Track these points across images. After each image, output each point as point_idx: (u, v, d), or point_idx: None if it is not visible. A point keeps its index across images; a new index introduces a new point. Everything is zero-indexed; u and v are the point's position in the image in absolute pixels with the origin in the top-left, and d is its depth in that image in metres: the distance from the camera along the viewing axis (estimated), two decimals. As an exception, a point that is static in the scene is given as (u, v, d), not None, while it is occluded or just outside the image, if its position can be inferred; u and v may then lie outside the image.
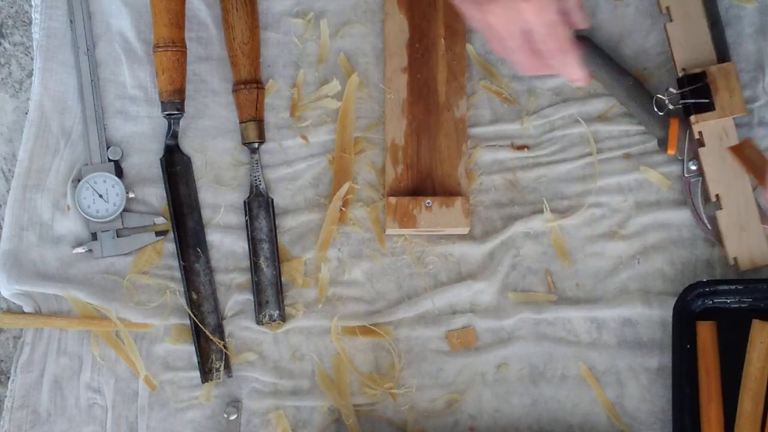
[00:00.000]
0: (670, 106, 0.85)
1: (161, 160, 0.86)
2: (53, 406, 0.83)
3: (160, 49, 0.83)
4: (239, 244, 0.86)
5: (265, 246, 0.85)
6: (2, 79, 0.91)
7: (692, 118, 0.85)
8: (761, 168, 0.58)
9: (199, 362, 0.83)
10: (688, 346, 0.81)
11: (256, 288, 0.85)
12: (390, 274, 0.86)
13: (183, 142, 0.87)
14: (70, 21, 0.87)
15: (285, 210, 0.87)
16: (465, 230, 0.85)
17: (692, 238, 0.86)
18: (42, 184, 0.85)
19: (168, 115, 0.85)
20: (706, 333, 0.81)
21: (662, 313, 0.84)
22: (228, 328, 0.85)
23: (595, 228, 0.87)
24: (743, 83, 0.87)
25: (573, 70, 0.68)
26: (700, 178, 0.86)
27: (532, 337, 0.85)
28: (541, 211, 0.87)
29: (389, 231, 0.85)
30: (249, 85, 0.85)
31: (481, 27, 0.68)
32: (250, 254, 0.85)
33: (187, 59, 0.85)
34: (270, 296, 0.85)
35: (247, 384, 0.84)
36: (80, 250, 0.84)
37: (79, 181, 0.85)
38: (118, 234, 0.85)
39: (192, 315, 0.83)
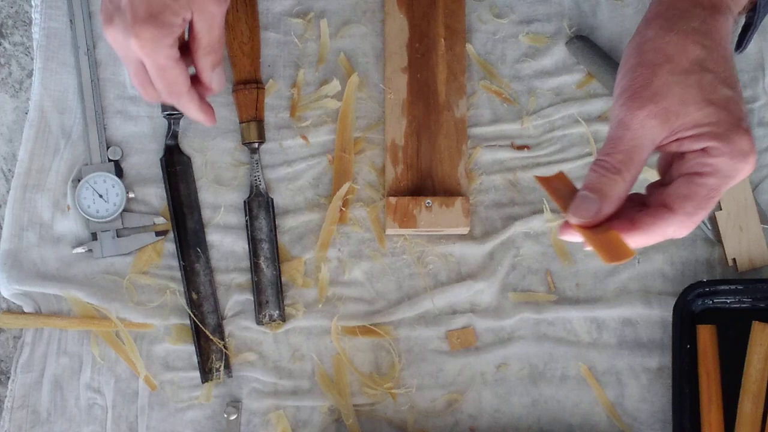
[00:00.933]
0: (670, 106, 0.85)
1: (161, 160, 0.86)
2: (53, 406, 0.83)
3: (160, 49, 0.83)
4: (239, 244, 0.86)
5: (265, 246, 0.85)
6: (2, 79, 0.91)
7: (692, 118, 0.85)
8: (568, 198, 0.59)
9: (199, 362, 0.83)
10: (688, 346, 0.81)
11: (256, 288, 0.85)
12: (390, 274, 0.86)
13: (183, 142, 0.87)
14: (70, 21, 0.87)
15: (285, 210, 0.87)
16: (465, 230, 0.85)
17: (692, 238, 0.87)
18: (42, 184, 0.85)
19: (168, 115, 0.85)
20: (706, 336, 0.81)
21: (662, 313, 0.84)
22: (228, 328, 0.85)
23: (595, 228, 0.87)
24: (743, 83, 0.87)
25: (191, 113, 0.70)
26: (700, 178, 0.86)
27: (532, 337, 0.85)
28: (541, 211, 0.87)
29: (389, 231, 0.85)
30: (249, 85, 0.85)
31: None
32: (250, 254, 0.85)
33: (187, 59, 0.85)
34: (270, 296, 0.85)
35: (247, 384, 0.84)
36: (80, 250, 0.84)
37: (79, 181, 0.85)
38: (118, 234, 0.85)
39: (192, 315, 0.83)
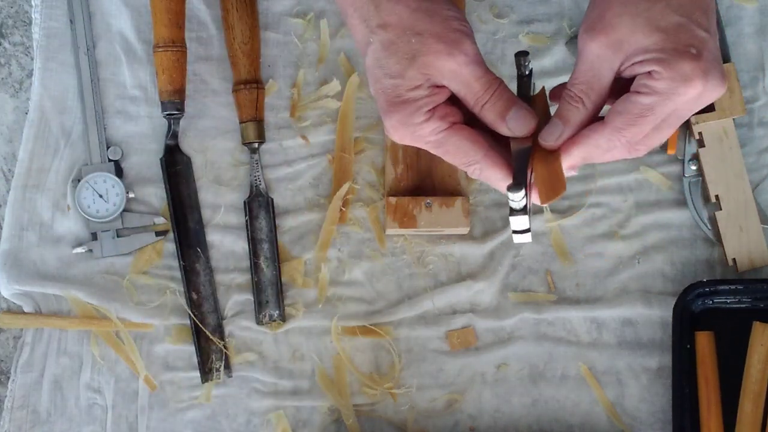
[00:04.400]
0: (670, 106, 0.85)
1: (161, 160, 0.86)
2: (53, 406, 0.83)
3: (160, 49, 0.83)
4: (239, 244, 0.86)
5: (265, 246, 0.85)
6: (2, 79, 0.91)
7: (692, 118, 0.85)
8: (542, 120, 0.65)
9: (199, 362, 0.83)
10: (688, 347, 0.81)
11: (256, 288, 0.85)
12: (390, 274, 0.86)
13: (183, 142, 0.87)
14: (70, 21, 0.87)
15: (285, 210, 0.87)
16: (465, 230, 0.85)
17: (692, 238, 0.87)
18: (42, 184, 0.85)
19: (168, 115, 0.85)
20: (704, 343, 0.81)
21: (662, 313, 0.84)
22: (228, 328, 0.85)
23: (595, 228, 0.87)
24: (743, 83, 0.87)
25: (498, 185, 0.65)
26: (700, 179, 0.86)
27: (532, 337, 0.85)
28: (541, 211, 0.87)
29: (389, 231, 0.85)
30: (249, 85, 0.85)
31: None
32: (250, 254, 0.85)
33: (187, 59, 0.85)
34: (270, 296, 0.85)
35: (247, 384, 0.84)
36: (80, 250, 0.84)
37: (79, 181, 0.84)
38: (118, 234, 0.85)
39: (192, 315, 0.83)
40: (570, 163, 0.63)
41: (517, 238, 0.63)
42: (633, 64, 0.59)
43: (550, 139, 0.62)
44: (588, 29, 0.60)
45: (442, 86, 0.63)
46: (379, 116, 0.85)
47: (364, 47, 0.63)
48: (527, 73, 0.66)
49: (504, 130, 0.63)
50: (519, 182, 0.61)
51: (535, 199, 0.63)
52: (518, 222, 0.62)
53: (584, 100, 0.61)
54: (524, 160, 0.62)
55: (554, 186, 0.61)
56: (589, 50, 0.60)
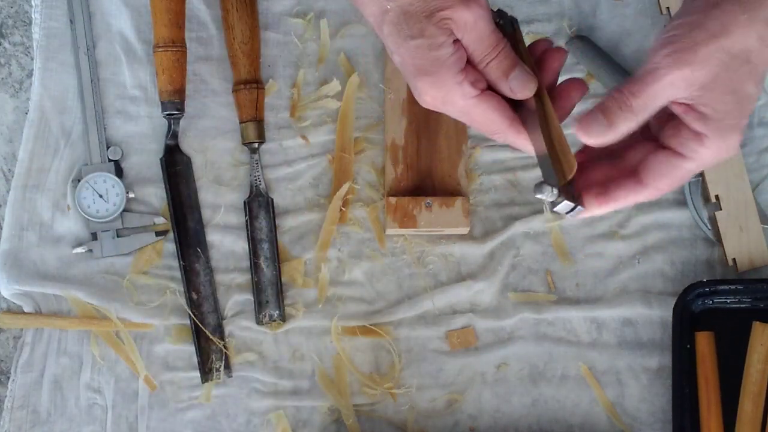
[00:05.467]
0: (670, 106, 0.85)
1: (161, 160, 0.86)
2: (53, 406, 0.83)
3: (160, 49, 0.83)
4: (239, 244, 0.86)
5: (265, 246, 0.85)
6: (2, 79, 0.91)
7: (692, 118, 0.85)
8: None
9: (199, 362, 0.83)
10: (688, 347, 0.81)
11: (256, 288, 0.85)
12: (390, 274, 0.86)
13: (183, 142, 0.87)
14: (70, 21, 0.87)
15: (285, 210, 0.87)
16: (465, 230, 0.85)
17: (692, 238, 0.87)
18: (42, 184, 0.85)
19: (168, 115, 0.85)
20: (704, 343, 0.81)
21: (662, 313, 0.84)
22: (228, 328, 0.85)
23: (595, 228, 0.87)
24: (743, 83, 0.87)
25: (526, 148, 0.65)
26: (700, 179, 0.86)
27: (532, 337, 0.85)
28: (541, 211, 0.87)
29: (389, 231, 0.85)
30: (249, 85, 0.85)
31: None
32: (250, 254, 0.85)
33: (187, 59, 0.85)
34: (270, 296, 0.85)
35: (247, 384, 0.84)
36: (80, 250, 0.84)
37: (79, 181, 0.85)
38: (118, 234, 0.85)
39: (192, 315, 0.83)
40: (596, 214, 0.63)
41: (570, 216, 0.61)
42: (690, 110, 0.58)
43: (593, 137, 0.59)
44: (677, 53, 0.56)
45: (459, 40, 0.62)
46: (378, 116, 0.86)
47: (380, 18, 0.63)
48: (512, 27, 0.65)
49: (505, 89, 0.62)
50: (543, 181, 0.59)
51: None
52: (562, 208, 0.60)
53: (638, 115, 0.58)
54: (546, 160, 0.61)
55: (570, 162, 0.60)
56: (669, 75, 0.56)
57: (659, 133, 0.61)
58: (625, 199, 0.61)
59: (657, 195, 0.61)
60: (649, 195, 0.61)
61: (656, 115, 0.59)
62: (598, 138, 0.59)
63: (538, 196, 0.59)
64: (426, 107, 0.64)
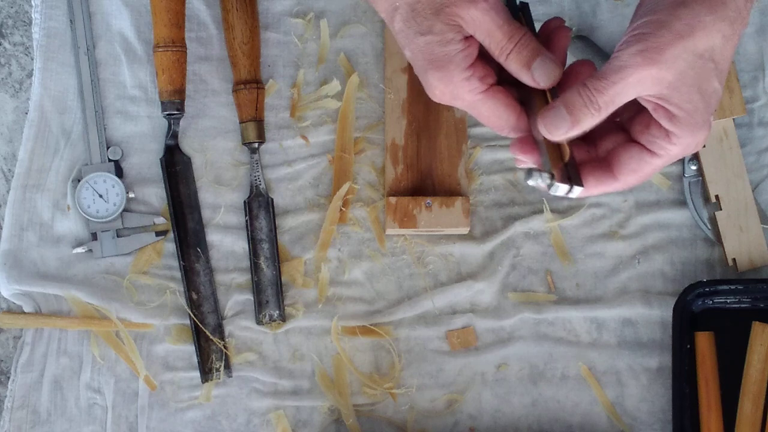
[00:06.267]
0: (670, 106, 0.85)
1: (161, 160, 0.86)
2: (53, 406, 0.83)
3: (160, 49, 0.83)
4: (239, 244, 0.86)
5: (265, 246, 0.85)
6: (2, 79, 0.91)
7: (692, 118, 0.84)
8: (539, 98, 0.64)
9: (199, 362, 0.83)
10: (688, 347, 0.81)
11: (256, 288, 0.85)
12: (390, 274, 0.86)
13: (183, 142, 0.87)
14: (70, 21, 0.87)
15: (285, 210, 0.87)
16: (465, 230, 0.85)
17: (692, 238, 0.87)
18: (42, 184, 0.85)
19: (168, 115, 0.85)
20: (704, 343, 0.81)
21: (662, 313, 0.84)
22: (228, 328, 0.85)
23: (595, 228, 0.87)
24: (743, 83, 0.87)
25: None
26: (700, 179, 0.86)
27: (532, 337, 0.85)
28: (541, 211, 0.87)
29: (389, 231, 0.85)
30: (249, 85, 0.85)
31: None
32: (250, 254, 0.85)
33: (187, 59, 0.85)
34: (270, 296, 0.85)
35: (247, 384, 0.84)
36: (80, 250, 0.84)
37: (79, 181, 0.85)
38: (118, 234, 0.85)
39: (192, 315, 0.83)
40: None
41: (570, 195, 0.61)
42: (658, 107, 0.59)
43: (557, 133, 0.59)
44: (645, 52, 0.57)
45: (471, 36, 0.62)
46: (378, 116, 0.86)
47: (391, 14, 0.63)
48: (519, 13, 0.65)
49: (528, 80, 0.62)
50: (532, 168, 0.60)
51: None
52: (560, 190, 0.60)
53: (602, 111, 0.59)
54: (549, 148, 0.62)
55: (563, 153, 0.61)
56: (636, 73, 0.57)
57: (628, 124, 0.63)
58: (596, 188, 0.62)
59: (625, 188, 0.63)
60: (619, 188, 0.62)
61: (625, 105, 0.60)
62: (561, 134, 0.59)
63: (530, 182, 0.60)
64: (436, 101, 0.64)
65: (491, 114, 0.64)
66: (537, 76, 0.61)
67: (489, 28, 0.61)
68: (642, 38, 0.57)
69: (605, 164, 0.63)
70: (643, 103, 0.60)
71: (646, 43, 0.57)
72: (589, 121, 0.59)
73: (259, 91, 0.86)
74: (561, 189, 0.60)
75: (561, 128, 0.59)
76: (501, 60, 0.62)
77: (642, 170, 0.61)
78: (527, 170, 0.60)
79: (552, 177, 0.59)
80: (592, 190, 0.62)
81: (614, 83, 0.58)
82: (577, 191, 0.60)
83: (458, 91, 0.63)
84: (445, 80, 0.62)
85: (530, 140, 0.63)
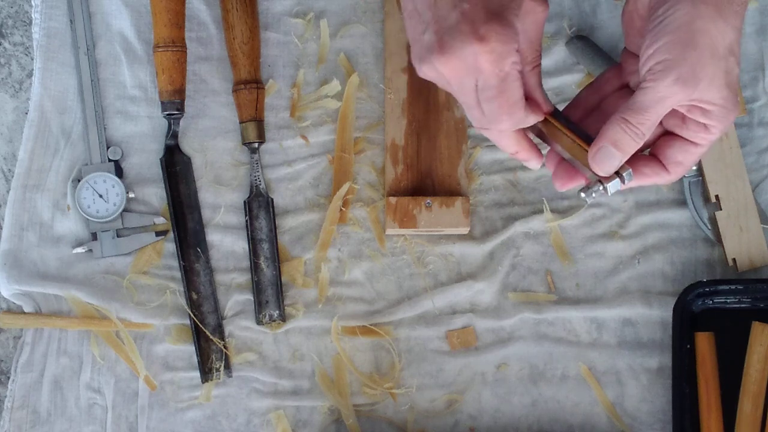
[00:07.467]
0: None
1: (161, 160, 0.86)
2: (53, 406, 0.83)
3: (160, 49, 0.83)
4: (239, 244, 0.86)
5: (265, 246, 0.85)
6: (2, 79, 0.91)
7: (692, 118, 0.85)
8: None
9: (199, 362, 0.83)
10: (688, 347, 0.81)
11: (256, 288, 0.85)
12: (390, 274, 0.86)
13: (183, 142, 0.87)
14: (70, 21, 0.87)
15: (285, 210, 0.87)
16: (465, 230, 0.85)
17: (692, 238, 0.87)
18: (42, 184, 0.85)
19: (168, 115, 0.85)
20: (704, 344, 0.81)
21: (662, 313, 0.84)
22: (228, 328, 0.85)
23: (595, 228, 0.87)
24: (743, 83, 0.87)
25: (522, 147, 0.66)
26: (700, 179, 0.86)
27: (532, 337, 0.85)
28: (541, 211, 0.87)
29: (389, 231, 0.85)
30: (249, 85, 0.85)
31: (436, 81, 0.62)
32: (250, 254, 0.85)
33: (187, 59, 0.85)
34: (270, 296, 0.85)
35: (247, 384, 0.84)
36: (80, 250, 0.84)
37: (79, 181, 0.85)
38: (118, 234, 0.85)
39: (192, 315, 0.84)
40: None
41: (622, 187, 0.63)
42: (693, 107, 0.60)
43: (610, 169, 0.62)
44: (679, 81, 0.58)
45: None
46: (378, 116, 0.86)
47: None
48: None
49: (539, 97, 0.64)
50: (584, 186, 0.64)
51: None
52: (614, 187, 0.63)
53: (646, 136, 0.61)
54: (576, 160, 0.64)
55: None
56: (672, 97, 0.59)
57: (662, 120, 0.64)
58: (649, 179, 0.65)
59: (676, 179, 0.65)
60: (669, 180, 0.64)
61: None
62: (614, 168, 0.62)
63: (590, 200, 0.64)
64: (465, 64, 0.59)
65: (512, 95, 0.60)
66: (548, 105, 0.64)
67: (530, 37, 0.62)
68: (673, 65, 0.58)
69: (654, 159, 0.64)
70: (678, 108, 0.61)
71: (679, 71, 0.58)
72: (634, 147, 0.61)
73: (259, 91, 0.86)
74: (613, 186, 0.62)
75: (613, 164, 0.62)
76: (528, 68, 0.63)
77: (688, 161, 0.63)
78: (580, 191, 0.63)
79: (600, 182, 0.62)
80: (645, 180, 0.64)
81: (652, 108, 0.60)
82: (628, 177, 0.62)
83: (508, 54, 0.58)
84: (504, 36, 0.57)
85: (565, 168, 0.66)
